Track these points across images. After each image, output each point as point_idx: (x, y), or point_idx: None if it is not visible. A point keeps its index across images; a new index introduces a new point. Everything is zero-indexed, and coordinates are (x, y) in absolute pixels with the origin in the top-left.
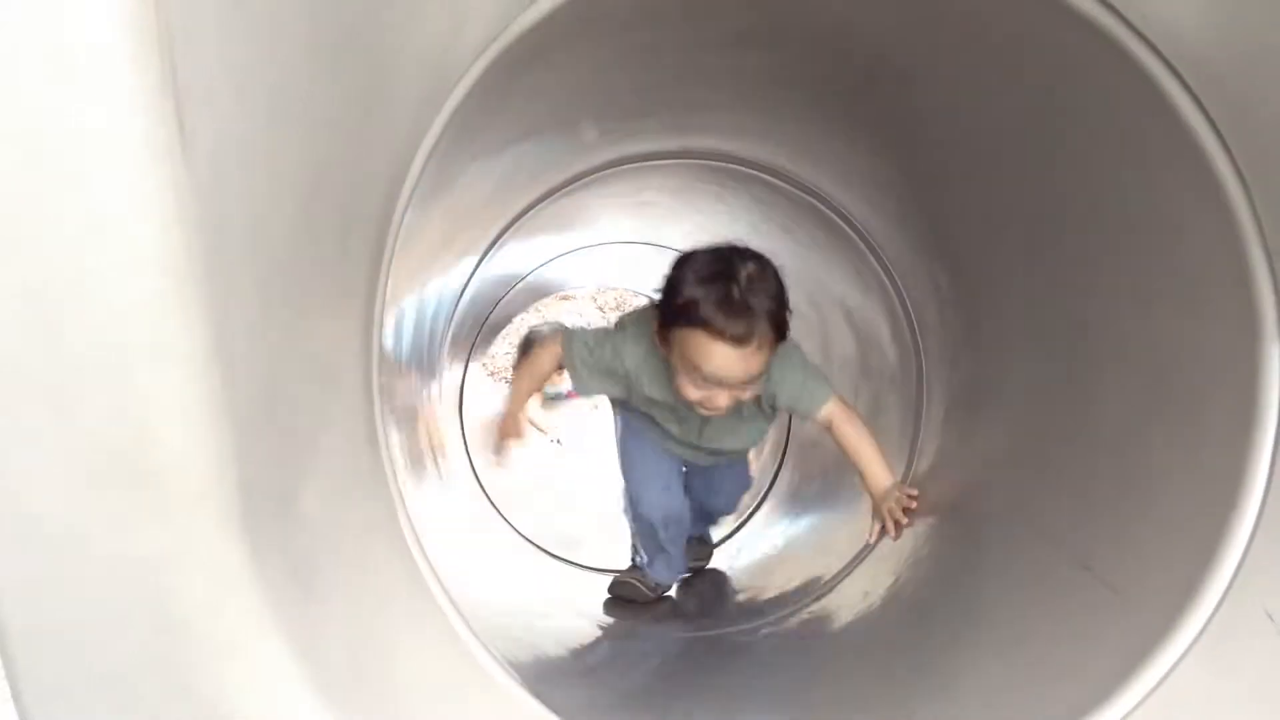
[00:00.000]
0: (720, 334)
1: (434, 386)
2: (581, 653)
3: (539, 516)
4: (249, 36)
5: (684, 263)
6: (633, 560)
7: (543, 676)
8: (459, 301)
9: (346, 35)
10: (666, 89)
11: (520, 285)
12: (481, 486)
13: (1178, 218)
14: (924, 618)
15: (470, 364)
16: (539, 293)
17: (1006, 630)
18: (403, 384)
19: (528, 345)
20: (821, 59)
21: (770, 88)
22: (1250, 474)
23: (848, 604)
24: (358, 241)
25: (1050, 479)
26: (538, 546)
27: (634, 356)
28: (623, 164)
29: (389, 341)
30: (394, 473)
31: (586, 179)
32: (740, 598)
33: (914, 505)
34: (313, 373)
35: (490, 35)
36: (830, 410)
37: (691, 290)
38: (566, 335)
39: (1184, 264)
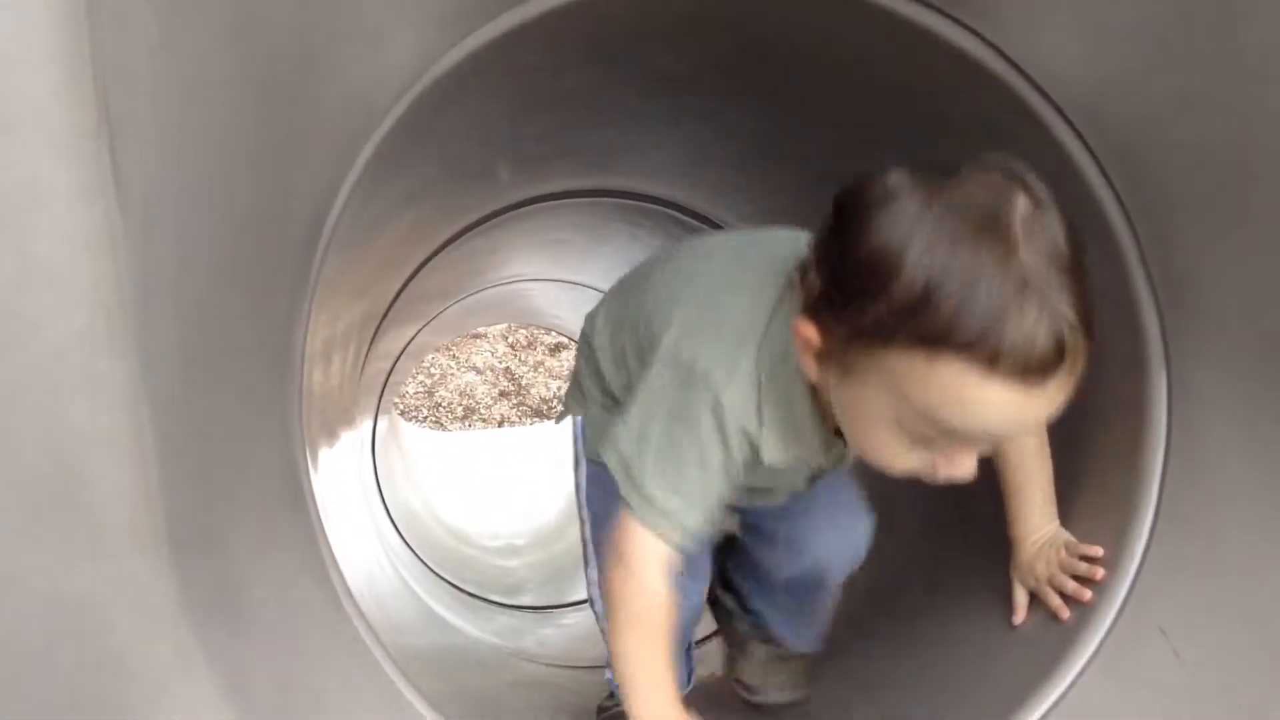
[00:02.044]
0: (1015, 368)
1: (350, 424)
2: (517, 691)
3: (447, 552)
4: (178, 79)
5: (880, 213)
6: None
7: (471, 716)
8: (373, 340)
9: (271, 78)
10: (580, 130)
11: (432, 323)
12: (393, 522)
13: None
14: (843, 624)
15: (383, 401)
16: (452, 331)
17: (918, 648)
18: (323, 420)
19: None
20: (733, 100)
21: (683, 128)
22: (1141, 497)
23: None
24: (281, 281)
25: (947, 507)
26: (452, 584)
27: (774, 420)
28: (536, 202)
29: (310, 378)
30: (318, 509)
31: (500, 218)
32: None
33: (1096, 573)
34: (239, 409)
35: (408, 80)
36: None
37: (938, 287)
38: (647, 501)
39: None
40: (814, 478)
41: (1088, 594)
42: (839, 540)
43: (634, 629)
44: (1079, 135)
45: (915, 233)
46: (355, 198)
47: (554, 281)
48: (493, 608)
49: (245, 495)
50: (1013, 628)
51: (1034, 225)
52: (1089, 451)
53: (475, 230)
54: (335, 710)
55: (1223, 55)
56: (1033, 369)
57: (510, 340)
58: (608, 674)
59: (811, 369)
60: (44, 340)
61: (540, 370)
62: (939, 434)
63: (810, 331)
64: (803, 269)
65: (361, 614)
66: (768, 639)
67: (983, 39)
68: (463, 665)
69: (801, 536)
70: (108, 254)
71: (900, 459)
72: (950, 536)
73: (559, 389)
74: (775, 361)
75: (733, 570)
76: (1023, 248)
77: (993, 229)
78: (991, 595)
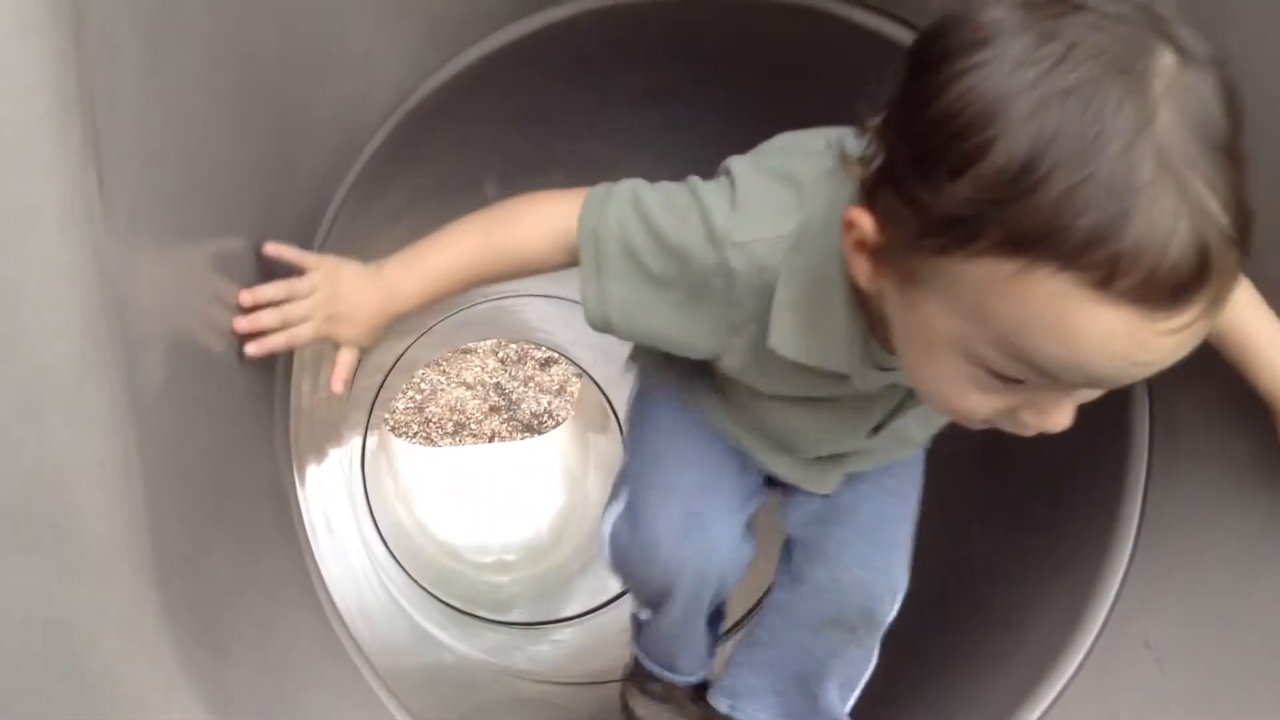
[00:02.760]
0: (1137, 284)
1: (339, 441)
2: (508, 709)
3: (433, 567)
4: (165, 103)
5: (972, 57)
6: (636, 663)
7: None
8: (362, 355)
9: (258, 100)
10: (567, 145)
11: (422, 339)
12: (383, 538)
13: None
14: None
15: (372, 417)
16: (442, 346)
17: (914, 663)
18: (311, 438)
19: None
20: (716, 113)
21: (668, 142)
22: (1124, 511)
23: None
24: None
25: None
26: (443, 601)
27: (789, 288)
28: None
29: (299, 395)
30: (305, 529)
31: None
32: None
33: None
34: (225, 429)
35: (396, 100)
36: None
37: (1040, 161)
38: (615, 189)
39: None
40: (875, 427)
41: None
42: (877, 559)
43: (488, 216)
44: None
45: (1017, 85)
46: (343, 216)
47: (544, 297)
48: (483, 624)
49: (232, 515)
50: (996, 642)
51: (1180, 86)
52: (1071, 465)
53: None
54: None
55: None
56: (1162, 287)
57: (500, 355)
58: (634, 648)
59: (863, 273)
60: (31, 363)
61: (531, 385)
62: (1027, 372)
63: (865, 222)
64: (861, 147)
65: (350, 633)
66: None
67: None
68: (452, 684)
69: (863, 528)
70: (95, 278)
71: (971, 402)
72: (934, 546)
73: (549, 404)
74: (814, 255)
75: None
76: (1162, 115)
77: (1123, 87)
78: (975, 610)
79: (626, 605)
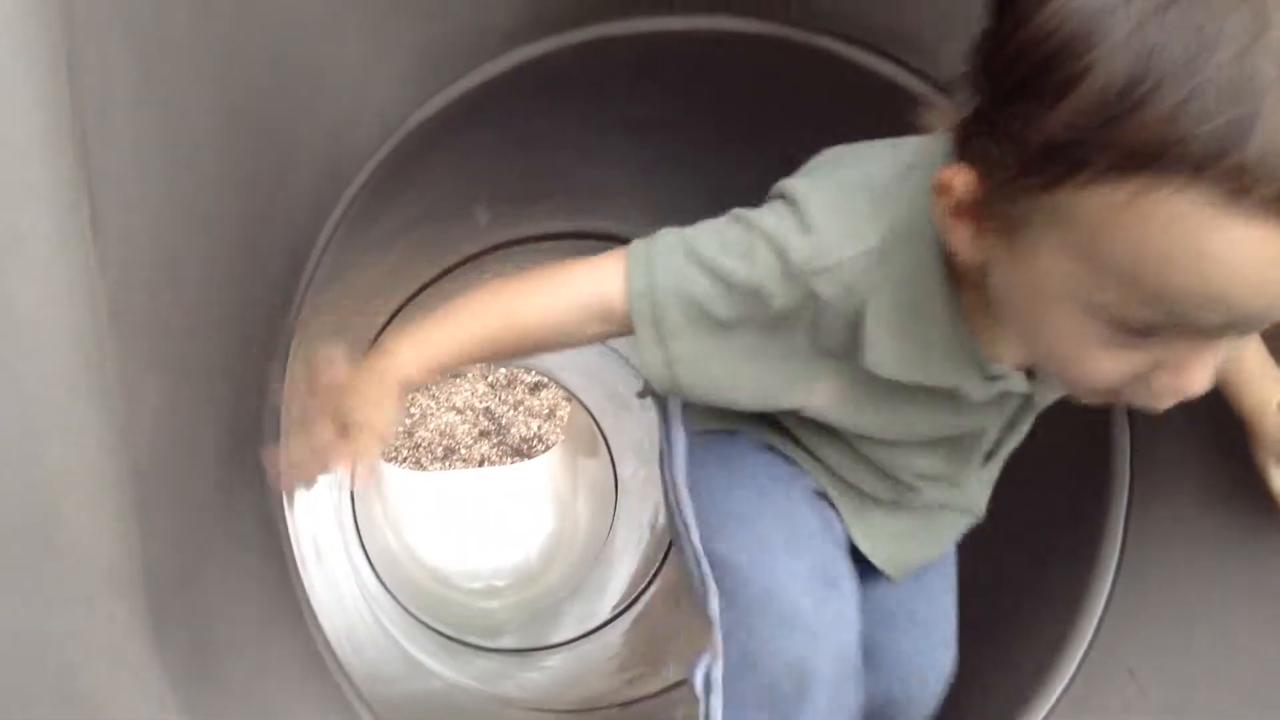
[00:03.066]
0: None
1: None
2: None
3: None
4: (158, 124)
5: None
6: None
7: None
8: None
9: (249, 122)
10: (560, 173)
11: None
12: (371, 564)
13: None
14: None
15: None
16: None
17: None
18: None
19: None
20: (707, 144)
21: (659, 172)
22: (1106, 538)
23: None
24: (260, 323)
25: None
26: (432, 628)
27: (882, 301)
28: (515, 245)
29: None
30: (294, 554)
31: (479, 259)
32: (635, 672)
33: None
34: (215, 454)
35: (389, 126)
36: None
37: (1149, 72)
38: (654, 246)
39: None
40: (988, 453)
41: None
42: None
43: (527, 283)
44: None
45: (1111, 1)
46: (335, 240)
47: None
48: (472, 651)
49: (222, 539)
50: (979, 669)
51: None
52: (1053, 491)
53: (456, 271)
54: None
55: None
56: None
57: (490, 380)
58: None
59: (963, 242)
60: (23, 385)
61: (520, 409)
62: (1157, 316)
63: (960, 178)
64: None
65: (337, 660)
66: None
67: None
68: (441, 711)
69: (917, 615)
70: (87, 300)
71: (1099, 366)
72: None
73: (539, 428)
74: (905, 260)
75: None
76: (1278, 22)
77: None
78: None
79: (616, 629)
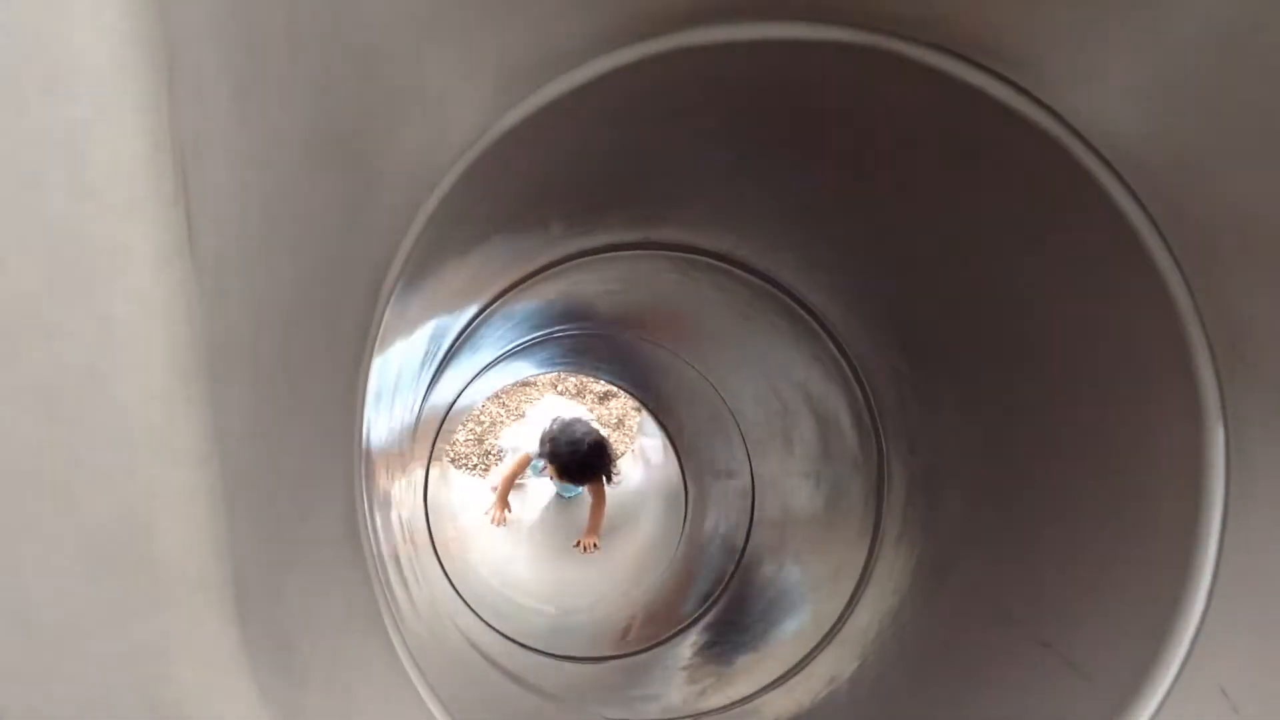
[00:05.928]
0: None
1: (404, 476)
2: None
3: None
4: (250, 145)
5: None
6: None
7: None
8: (427, 394)
9: (338, 143)
10: (630, 185)
11: (484, 374)
12: (446, 574)
13: (1125, 310)
14: (889, 701)
15: (434, 451)
16: (500, 380)
17: (972, 709)
18: (380, 476)
19: None
20: (781, 157)
21: (734, 184)
22: (1200, 553)
23: (814, 689)
24: (342, 342)
25: (1006, 559)
26: (505, 635)
27: None
28: (585, 256)
29: (369, 436)
30: (376, 564)
31: (551, 270)
32: (705, 684)
33: None
34: (301, 468)
35: (469, 139)
36: None
37: None
38: None
39: (1132, 354)
40: None
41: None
42: None
43: None
44: (1128, 188)
45: None
46: (416, 253)
47: (600, 334)
48: (541, 657)
49: (308, 547)
50: (1063, 686)
51: None
52: (1146, 507)
53: (526, 284)
54: None
55: (1275, 108)
56: None
57: (560, 388)
58: None
59: None
60: (120, 399)
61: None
62: None
63: None
64: None
65: (416, 665)
66: None
67: (1025, 92)
68: (515, 718)
69: None
70: (184, 316)
71: None
72: (996, 582)
73: (609, 437)
74: None
75: None
76: None
77: None
78: (1041, 651)
79: (690, 638)
